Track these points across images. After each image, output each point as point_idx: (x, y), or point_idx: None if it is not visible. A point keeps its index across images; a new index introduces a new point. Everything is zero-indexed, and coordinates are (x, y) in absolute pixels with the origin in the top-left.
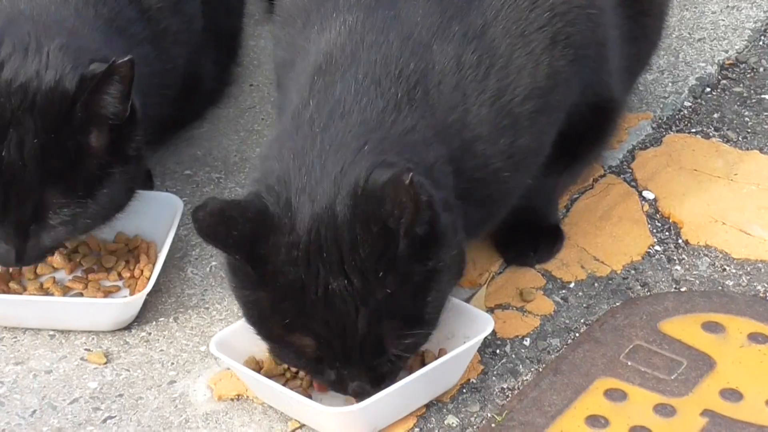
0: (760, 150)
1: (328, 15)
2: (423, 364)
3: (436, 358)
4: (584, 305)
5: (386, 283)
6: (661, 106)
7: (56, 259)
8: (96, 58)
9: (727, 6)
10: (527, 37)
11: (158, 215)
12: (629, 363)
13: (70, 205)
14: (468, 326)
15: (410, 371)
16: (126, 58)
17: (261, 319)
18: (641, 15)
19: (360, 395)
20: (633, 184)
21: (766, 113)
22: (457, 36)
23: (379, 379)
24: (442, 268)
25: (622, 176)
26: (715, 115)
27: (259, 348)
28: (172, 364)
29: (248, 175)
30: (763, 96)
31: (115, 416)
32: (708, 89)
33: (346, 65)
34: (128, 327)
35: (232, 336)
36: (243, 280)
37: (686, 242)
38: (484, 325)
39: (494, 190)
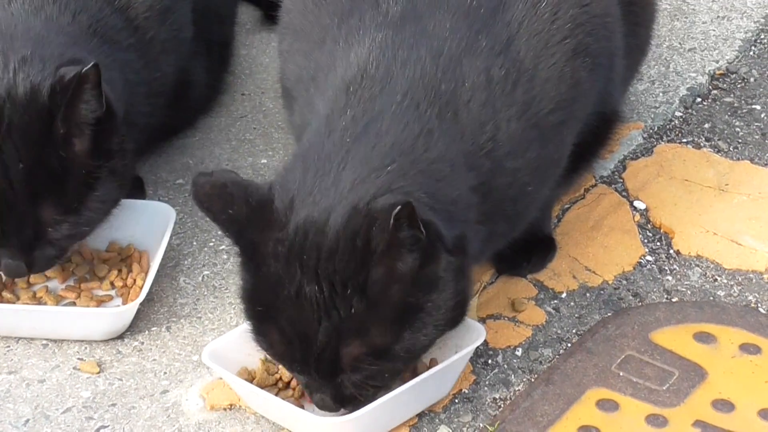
0: (751, 160)
1: (353, 32)
2: (415, 374)
3: (428, 368)
4: (576, 315)
5: (352, 302)
6: (652, 116)
7: None
8: (63, 63)
9: (718, 16)
10: (550, 49)
11: (151, 224)
12: (621, 373)
13: (68, 218)
14: (459, 336)
15: (402, 381)
16: (90, 65)
17: (243, 298)
18: (637, 26)
19: (322, 408)
20: (624, 194)
21: (756, 123)
22: (485, 50)
23: (342, 399)
24: (429, 309)
25: (613, 186)
26: (706, 125)
27: (252, 358)
28: (165, 373)
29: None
30: (753, 106)
31: (108, 426)
32: (699, 99)
33: (385, 81)
34: (121, 336)
35: (224, 346)
36: (238, 253)
37: (677, 252)
38: (476, 335)
39: (519, 204)
